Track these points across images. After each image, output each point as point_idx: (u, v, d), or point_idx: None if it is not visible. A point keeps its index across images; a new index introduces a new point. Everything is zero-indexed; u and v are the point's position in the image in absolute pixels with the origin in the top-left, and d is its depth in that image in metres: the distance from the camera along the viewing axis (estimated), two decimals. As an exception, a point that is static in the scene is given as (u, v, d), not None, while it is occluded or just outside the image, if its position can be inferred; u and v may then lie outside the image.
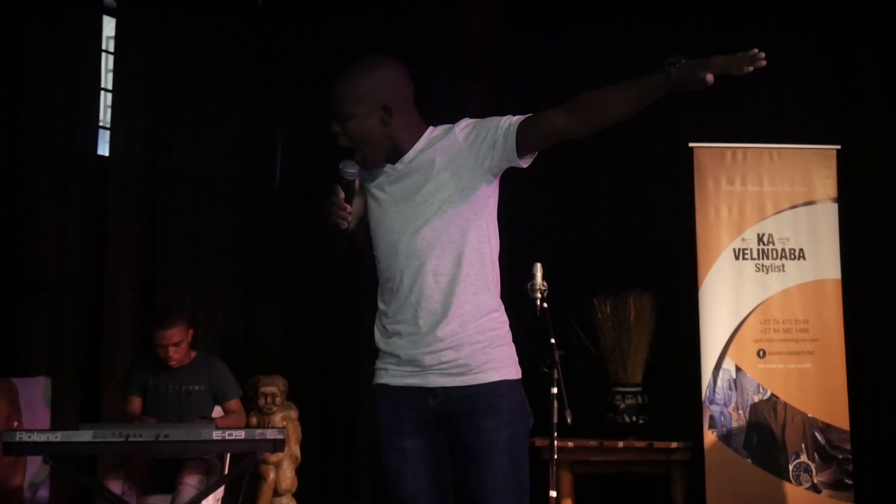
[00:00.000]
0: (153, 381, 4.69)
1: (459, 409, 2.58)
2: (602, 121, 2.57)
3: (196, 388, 4.69)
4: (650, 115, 6.05)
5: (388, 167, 2.64)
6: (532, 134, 2.55)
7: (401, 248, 2.60)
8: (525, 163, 2.60)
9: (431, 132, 2.67)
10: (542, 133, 2.56)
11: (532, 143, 2.56)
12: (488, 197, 2.62)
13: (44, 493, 4.78)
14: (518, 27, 6.44)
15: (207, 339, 6.28)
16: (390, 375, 2.65)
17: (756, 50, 2.38)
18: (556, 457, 4.42)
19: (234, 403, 4.77)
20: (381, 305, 2.69)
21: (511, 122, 2.57)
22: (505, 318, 2.68)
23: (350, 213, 2.59)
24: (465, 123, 2.64)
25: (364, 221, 2.71)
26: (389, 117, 2.60)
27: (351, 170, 2.60)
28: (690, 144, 5.51)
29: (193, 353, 4.79)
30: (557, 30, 6.43)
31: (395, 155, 2.63)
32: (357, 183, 2.63)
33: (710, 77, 2.43)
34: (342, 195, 2.59)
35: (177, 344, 4.62)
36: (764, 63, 2.37)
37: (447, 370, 2.58)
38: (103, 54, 5.92)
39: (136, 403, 4.69)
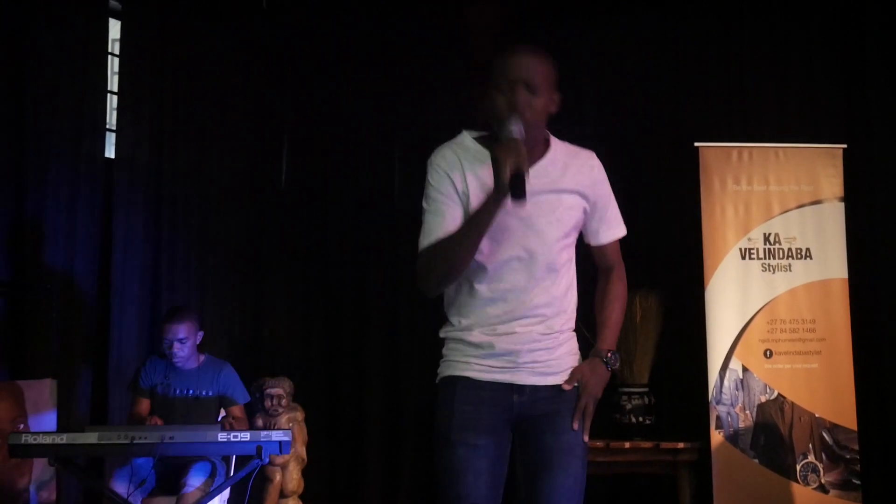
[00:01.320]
0: (161, 384, 4.69)
1: (543, 409, 2.59)
2: (596, 301, 2.81)
3: (204, 392, 4.69)
4: (655, 115, 6.16)
5: None
6: (595, 253, 2.76)
7: (517, 248, 2.58)
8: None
9: (559, 145, 2.72)
10: (595, 260, 2.78)
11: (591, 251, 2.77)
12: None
13: (49, 494, 4.77)
14: (522, 24, 6.42)
15: (214, 340, 6.26)
16: (474, 369, 2.62)
17: None
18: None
19: (238, 409, 4.77)
20: (464, 298, 2.64)
21: (612, 234, 2.75)
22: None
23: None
24: (600, 171, 2.73)
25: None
26: (555, 107, 2.64)
27: (519, 128, 2.49)
28: (696, 144, 5.49)
29: (203, 357, 4.79)
30: (562, 26, 6.41)
31: (531, 153, 2.59)
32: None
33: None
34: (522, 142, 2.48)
35: (182, 340, 4.63)
36: None
37: (538, 369, 2.59)
38: (109, 57, 5.92)
39: (143, 405, 4.70)
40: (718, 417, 5.28)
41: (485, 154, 2.58)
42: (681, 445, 5.36)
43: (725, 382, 5.31)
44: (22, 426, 4.69)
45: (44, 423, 4.81)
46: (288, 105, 6.93)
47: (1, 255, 5.20)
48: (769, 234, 5.43)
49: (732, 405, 5.30)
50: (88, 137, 5.66)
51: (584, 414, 2.62)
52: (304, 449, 5.73)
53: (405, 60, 6.83)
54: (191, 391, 4.69)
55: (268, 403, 5.59)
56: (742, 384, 5.31)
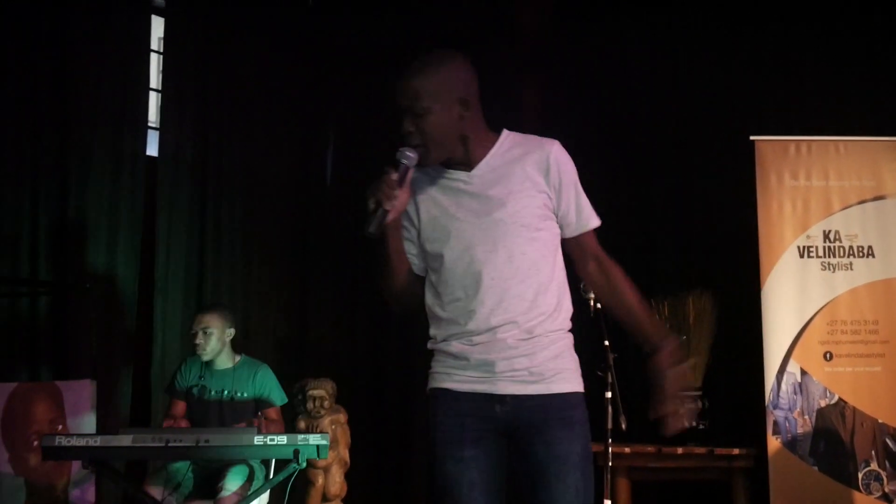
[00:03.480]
0: (197, 385, 4.63)
1: (529, 419, 2.49)
2: (607, 302, 2.69)
3: (240, 394, 4.62)
4: (709, 108, 5.98)
5: (461, 174, 2.55)
6: (568, 247, 2.63)
7: (478, 260, 2.50)
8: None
9: (510, 140, 2.60)
10: (572, 254, 2.65)
11: (566, 246, 2.64)
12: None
13: (85, 494, 4.72)
14: (573, 19, 6.29)
15: (259, 341, 6.23)
16: (454, 380, 2.54)
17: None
18: (610, 464, 4.29)
19: (274, 412, 4.67)
20: (441, 312, 2.57)
21: (582, 226, 2.62)
22: (570, 329, 2.61)
23: (397, 198, 2.43)
24: (562, 160, 2.59)
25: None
26: (466, 111, 2.51)
27: (411, 155, 2.46)
28: (752, 138, 5.34)
29: (239, 358, 4.72)
30: (613, 21, 6.27)
31: (465, 159, 2.54)
32: (410, 175, 2.48)
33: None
34: (395, 176, 2.43)
35: (206, 331, 4.58)
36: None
37: (518, 377, 2.49)
38: (152, 54, 5.88)
39: (179, 407, 4.66)
40: (776, 423, 5.13)
41: (439, 172, 2.57)
42: (736, 451, 5.21)
43: (783, 386, 5.16)
44: (60, 427, 4.66)
45: (83, 425, 4.76)
46: (333, 102, 6.84)
47: (42, 254, 5.17)
48: (829, 232, 5.27)
49: (790, 410, 5.15)
50: (130, 135, 5.63)
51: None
52: (347, 452, 5.63)
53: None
54: (226, 392, 4.61)
55: (310, 405, 5.49)
56: (800, 388, 5.16)
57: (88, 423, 4.82)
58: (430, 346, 2.62)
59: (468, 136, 2.53)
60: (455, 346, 2.53)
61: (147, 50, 5.81)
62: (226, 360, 4.67)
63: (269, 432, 4.38)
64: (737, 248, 5.55)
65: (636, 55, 6.28)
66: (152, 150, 5.83)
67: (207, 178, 6.04)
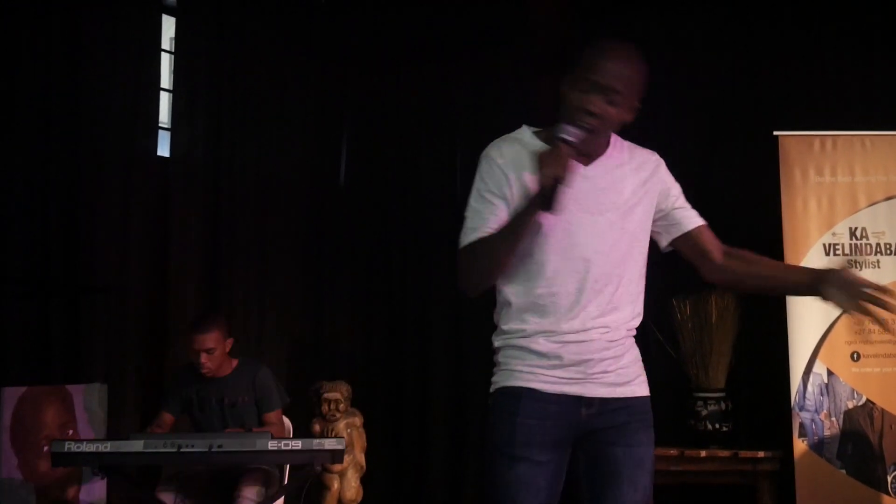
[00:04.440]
0: (197, 394, 4.51)
1: (612, 421, 2.47)
2: (746, 284, 2.74)
3: (240, 399, 4.49)
4: (732, 102, 5.87)
5: (579, 165, 2.46)
6: (685, 247, 2.65)
7: (585, 259, 2.47)
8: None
9: (620, 144, 2.59)
10: (692, 253, 2.66)
11: (679, 247, 2.66)
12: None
13: (96, 499, 4.65)
14: (589, 17, 6.19)
15: (274, 343, 6.18)
16: (540, 380, 2.47)
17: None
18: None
19: (275, 415, 4.54)
20: (528, 306, 2.48)
21: (697, 219, 2.64)
22: None
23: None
24: (666, 167, 2.63)
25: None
26: (631, 117, 2.49)
27: (578, 132, 2.38)
28: (775, 133, 5.25)
29: (235, 362, 4.59)
30: (630, 16, 6.16)
31: (587, 151, 2.49)
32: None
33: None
34: (568, 152, 2.36)
35: (209, 351, 4.40)
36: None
37: (608, 380, 2.46)
38: (163, 54, 5.81)
39: (166, 419, 4.52)
40: (802, 425, 5.04)
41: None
42: (761, 454, 5.13)
43: (809, 387, 5.06)
44: (71, 431, 4.58)
45: (94, 429, 4.68)
46: (347, 101, 6.77)
47: (53, 256, 5.09)
48: (855, 229, 5.17)
49: (817, 412, 5.05)
50: (142, 136, 5.56)
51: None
52: (362, 456, 5.54)
53: (467, 54, 6.64)
54: (227, 399, 4.49)
55: (325, 408, 5.41)
56: (827, 389, 5.06)
57: (100, 427, 4.74)
58: (504, 340, 2.52)
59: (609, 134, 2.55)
60: (543, 343, 2.46)
61: (158, 50, 5.74)
62: (224, 367, 4.53)
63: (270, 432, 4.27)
64: (761, 246, 5.23)
65: (654, 51, 6.10)
66: (163, 150, 5.76)
67: (220, 179, 5.97)
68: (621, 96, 2.43)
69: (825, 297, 2.49)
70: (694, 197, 5.95)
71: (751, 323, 5.43)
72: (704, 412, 5.30)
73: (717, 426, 5.28)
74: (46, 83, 5.14)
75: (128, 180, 5.46)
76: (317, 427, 5.42)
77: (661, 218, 2.60)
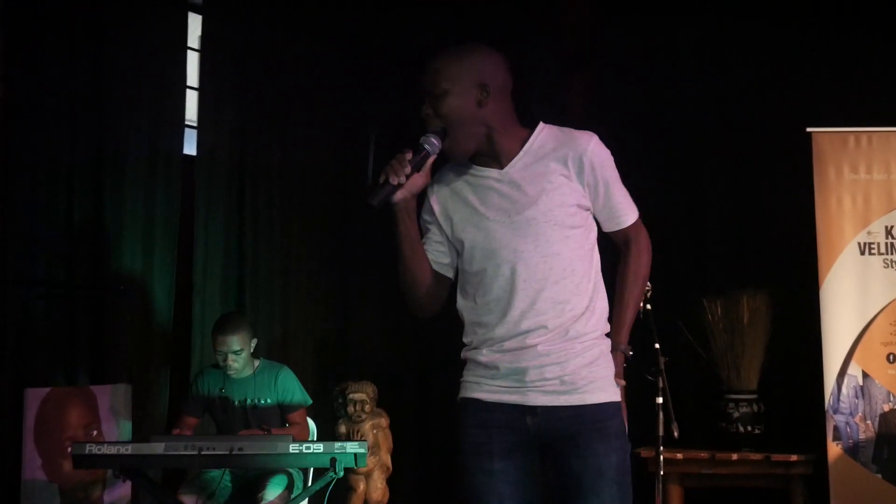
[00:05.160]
0: (220, 396, 4.52)
1: (563, 431, 2.40)
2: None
3: (263, 401, 4.50)
4: (763, 99, 5.77)
5: (492, 171, 2.49)
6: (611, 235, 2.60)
7: (509, 262, 2.45)
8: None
9: (545, 134, 2.53)
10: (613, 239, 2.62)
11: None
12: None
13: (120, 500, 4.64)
14: (617, 13, 6.10)
15: (300, 343, 6.13)
16: (483, 390, 2.46)
17: None
18: (661, 472, 4.14)
19: (298, 415, 4.54)
20: (471, 317, 2.51)
21: (618, 223, 2.56)
22: (607, 334, 2.52)
23: (407, 176, 2.42)
24: (598, 154, 2.51)
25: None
26: (486, 97, 2.45)
27: (434, 141, 2.44)
28: (808, 129, 5.16)
29: (258, 363, 4.60)
30: (659, 16, 6.06)
31: (495, 154, 2.49)
32: (430, 162, 2.47)
33: None
34: (409, 156, 2.42)
35: (236, 352, 4.43)
36: None
37: (549, 387, 2.41)
38: (189, 52, 5.79)
39: (188, 422, 4.54)
40: (836, 428, 4.95)
41: (470, 169, 2.54)
42: (794, 458, 5.04)
43: (843, 389, 4.97)
44: (95, 433, 4.57)
45: (118, 430, 4.67)
46: (373, 98, 6.72)
47: (77, 255, 5.08)
48: (891, 227, 5.07)
49: (851, 414, 4.96)
50: (167, 134, 5.52)
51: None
52: (388, 457, 5.50)
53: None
54: (249, 400, 4.49)
55: (350, 409, 5.37)
56: (862, 391, 4.97)
57: (124, 428, 4.73)
58: (463, 354, 2.54)
59: (493, 126, 2.49)
60: (485, 354, 2.46)
61: (184, 48, 5.72)
62: (246, 368, 4.54)
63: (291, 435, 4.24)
64: (793, 245, 5.36)
65: (685, 46, 6.08)
66: (189, 149, 5.74)
67: (246, 177, 5.93)
68: (443, 89, 2.45)
69: None
70: (726, 196, 5.89)
71: (784, 324, 5.34)
72: (736, 414, 5.22)
73: (749, 428, 5.20)
74: (72, 82, 5.12)
75: (153, 178, 5.44)
76: (342, 428, 5.39)
77: (593, 208, 2.55)
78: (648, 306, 4.15)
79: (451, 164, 2.56)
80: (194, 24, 5.86)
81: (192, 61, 5.84)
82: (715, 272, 5.83)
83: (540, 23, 6.32)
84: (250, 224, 5.93)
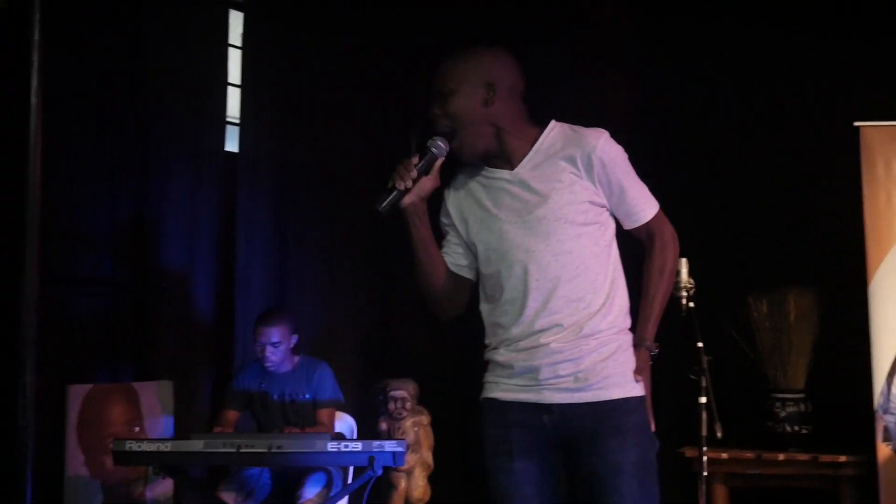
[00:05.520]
0: (258, 391, 4.54)
1: (580, 428, 2.40)
2: None
3: (300, 397, 4.52)
4: (809, 92, 5.66)
5: (503, 172, 2.50)
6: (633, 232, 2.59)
7: (521, 261, 2.47)
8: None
9: (555, 132, 2.52)
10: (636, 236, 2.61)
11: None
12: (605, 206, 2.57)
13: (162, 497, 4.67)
14: (652, 9, 6.02)
15: (342, 340, 6.12)
16: (500, 389, 2.49)
17: None
18: (705, 473, 4.07)
19: (327, 415, 4.51)
20: (490, 318, 2.54)
21: (637, 219, 2.55)
22: (628, 328, 2.50)
23: (414, 181, 2.45)
24: (609, 150, 2.49)
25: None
26: (493, 96, 2.45)
27: (441, 144, 2.47)
28: (856, 123, 5.04)
29: (297, 359, 4.62)
30: (697, 10, 5.97)
31: (505, 154, 2.49)
32: (438, 164, 2.49)
33: None
34: (416, 160, 2.44)
35: (275, 344, 4.45)
36: None
37: (563, 385, 2.41)
38: (231, 49, 5.81)
39: (230, 416, 4.55)
40: (886, 428, 4.84)
41: (482, 171, 2.56)
42: (842, 459, 4.94)
43: (893, 389, 4.86)
44: (137, 429, 4.60)
45: (161, 427, 4.71)
46: (416, 94, 6.68)
47: (120, 253, 5.12)
48: (943, 223, 4.91)
49: (902, 414, 4.83)
50: (208, 131, 5.55)
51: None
52: (430, 454, 5.49)
53: (530, 47, 6.50)
54: (287, 396, 4.51)
55: (391, 406, 5.37)
56: (912, 391, 4.83)
57: (167, 424, 4.76)
58: (485, 355, 2.59)
59: (501, 126, 2.50)
60: (502, 353, 2.49)
61: (225, 45, 5.74)
62: (286, 364, 4.56)
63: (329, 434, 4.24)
64: (841, 241, 5.24)
65: (726, 37, 5.96)
66: (230, 146, 5.76)
67: (288, 174, 5.95)
68: (450, 89, 2.49)
69: None
70: (772, 192, 5.79)
71: (832, 322, 5.24)
72: (783, 414, 5.13)
73: (797, 428, 5.11)
74: (114, 80, 5.15)
75: (196, 176, 5.47)
76: (383, 425, 5.38)
77: (609, 206, 2.54)
78: (691, 304, 4.10)
79: (465, 166, 2.60)
80: (236, 21, 5.88)
81: (235, 59, 5.86)
82: (761, 269, 5.72)
83: (573, 17, 6.27)
84: (293, 221, 5.94)
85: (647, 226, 2.55)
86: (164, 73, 5.35)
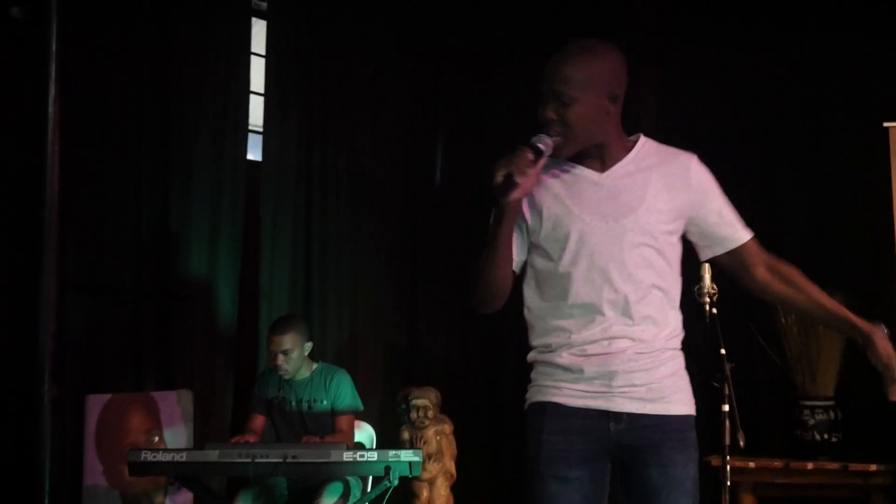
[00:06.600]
0: (277, 398, 4.51)
1: (645, 439, 2.37)
2: (785, 307, 2.81)
3: (318, 404, 4.47)
4: (838, 93, 5.56)
5: (591, 172, 2.44)
6: (727, 261, 2.57)
7: (602, 268, 2.41)
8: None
9: (648, 148, 2.49)
10: (733, 268, 2.58)
11: (719, 261, 2.59)
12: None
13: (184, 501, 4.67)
14: (691, 9, 5.94)
15: (368, 347, 6.12)
16: (564, 394, 2.41)
17: None
18: (728, 483, 3.99)
19: (345, 421, 4.44)
20: (550, 319, 2.46)
21: (735, 238, 2.54)
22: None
23: (529, 176, 2.29)
24: (703, 173, 2.51)
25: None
26: (614, 107, 2.40)
27: (548, 142, 2.35)
28: (885, 124, 4.94)
29: (316, 366, 4.57)
30: (732, 10, 5.88)
31: (599, 157, 2.44)
32: (542, 163, 2.36)
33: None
34: (531, 155, 2.31)
35: (286, 352, 4.41)
36: None
37: (636, 394, 2.38)
38: (254, 57, 5.81)
39: (258, 422, 4.53)
40: (917, 436, 4.70)
41: (565, 165, 2.48)
42: (873, 468, 4.84)
43: (924, 396, 4.70)
44: (157, 439, 4.60)
45: (180, 436, 4.70)
46: (441, 101, 6.67)
47: (144, 262, 5.13)
48: (973, 225, 4.80)
49: (933, 422, 4.70)
50: (231, 140, 5.56)
51: None
52: (452, 464, 5.44)
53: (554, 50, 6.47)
54: (305, 403, 4.48)
55: (413, 415, 5.32)
56: (944, 398, 4.69)
57: (186, 434, 4.75)
58: (534, 356, 2.49)
59: (611, 132, 2.44)
60: (566, 356, 2.41)
61: (248, 54, 5.74)
62: (304, 371, 4.52)
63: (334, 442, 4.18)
64: (870, 243, 5.14)
65: (758, 41, 5.90)
66: (253, 154, 5.76)
67: (312, 182, 5.94)
68: (572, 94, 2.35)
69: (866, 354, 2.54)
70: (801, 194, 5.68)
71: (862, 327, 5.12)
72: (812, 422, 5.03)
73: (826, 437, 5.01)
74: (137, 88, 5.18)
75: (219, 184, 5.47)
76: (405, 434, 5.34)
77: (698, 230, 2.51)
78: (714, 310, 4.02)
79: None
80: (259, 30, 5.89)
81: (258, 67, 5.86)
82: (789, 273, 5.63)
83: (612, 19, 6.20)
84: (317, 229, 5.93)
85: (745, 247, 2.55)
86: (187, 81, 5.37)
